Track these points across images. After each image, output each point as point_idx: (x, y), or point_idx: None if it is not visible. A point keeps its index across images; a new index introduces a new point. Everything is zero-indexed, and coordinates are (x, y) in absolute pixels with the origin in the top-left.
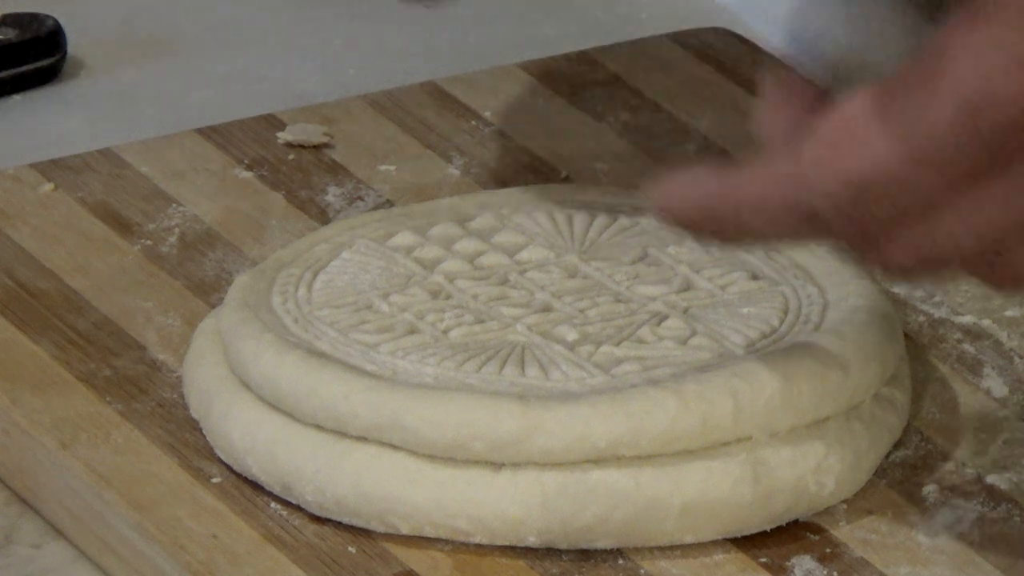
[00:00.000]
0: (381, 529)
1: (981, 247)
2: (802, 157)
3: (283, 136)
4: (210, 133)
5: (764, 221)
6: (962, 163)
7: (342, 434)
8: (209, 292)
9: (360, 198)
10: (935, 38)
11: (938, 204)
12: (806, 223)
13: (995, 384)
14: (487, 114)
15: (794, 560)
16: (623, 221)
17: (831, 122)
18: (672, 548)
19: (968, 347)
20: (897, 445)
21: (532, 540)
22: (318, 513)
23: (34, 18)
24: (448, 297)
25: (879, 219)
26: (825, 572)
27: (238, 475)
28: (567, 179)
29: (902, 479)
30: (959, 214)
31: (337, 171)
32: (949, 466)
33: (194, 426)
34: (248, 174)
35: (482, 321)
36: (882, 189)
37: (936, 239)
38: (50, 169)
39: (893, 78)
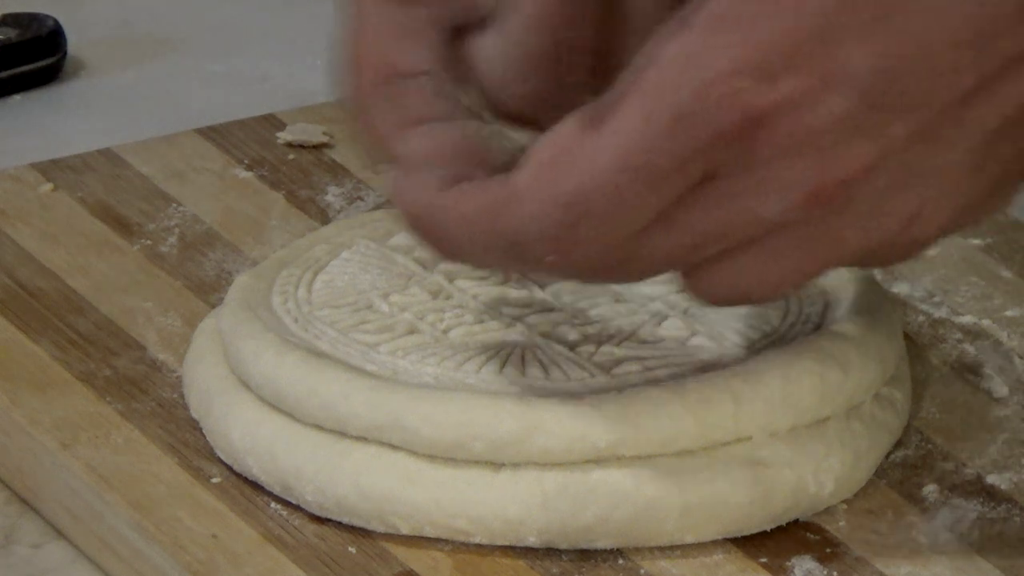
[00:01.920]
0: (381, 529)
1: (683, 257)
2: (513, 181)
3: (283, 136)
4: (210, 133)
5: (472, 244)
6: (675, 174)
7: (342, 434)
8: (209, 292)
9: (360, 198)
10: (645, 51)
11: (650, 218)
12: (515, 252)
13: (995, 384)
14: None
15: (794, 560)
16: None
17: (543, 144)
18: (672, 548)
19: (968, 347)
20: (897, 445)
21: (532, 540)
22: (318, 513)
23: (34, 18)
24: (448, 297)
25: (591, 240)
26: (825, 572)
27: (238, 475)
28: None
29: (902, 479)
30: (665, 225)
31: (337, 171)
32: (949, 466)
33: (194, 426)
34: (248, 174)
35: (482, 321)
36: (597, 206)
37: (642, 250)
38: (50, 169)
39: (605, 95)
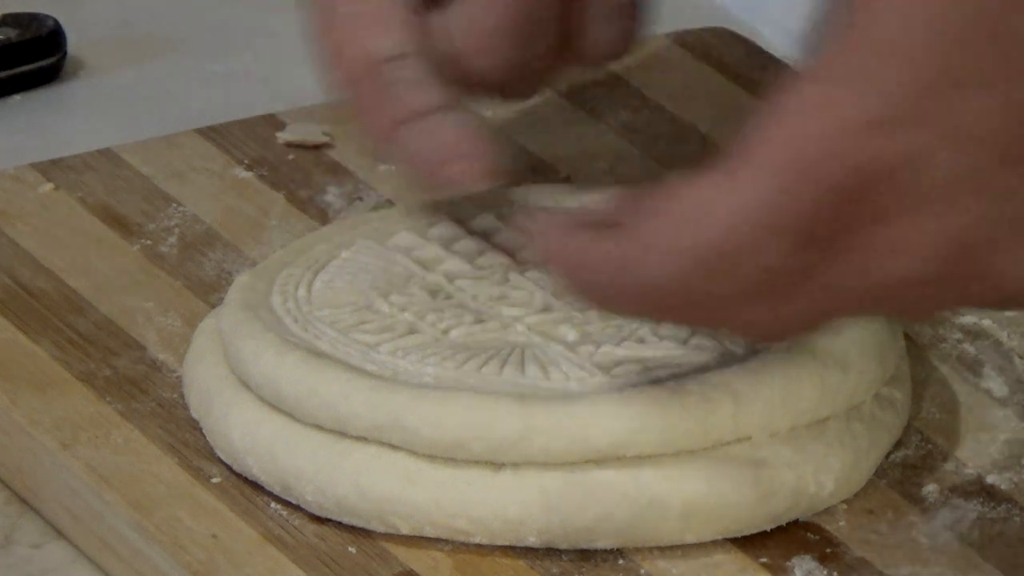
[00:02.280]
0: (381, 529)
1: (808, 319)
2: (643, 233)
3: (283, 136)
4: (210, 133)
5: (602, 293)
6: (801, 228)
7: (342, 434)
8: (209, 292)
9: (360, 198)
10: (768, 104)
11: (790, 273)
12: (644, 301)
13: (995, 384)
14: (487, 114)
15: (794, 560)
16: None
17: (671, 198)
18: (672, 548)
19: (968, 347)
20: (897, 445)
21: (532, 540)
22: (318, 513)
23: (34, 18)
24: (448, 297)
25: (728, 294)
26: (825, 572)
27: (238, 475)
28: (567, 179)
29: (902, 479)
30: (817, 283)
31: (337, 171)
32: (949, 466)
33: (194, 426)
34: (248, 174)
35: (482, 321)
36: (729, 259)
37: (796, 308)
38: (50, 169)
39: (733, 148)
